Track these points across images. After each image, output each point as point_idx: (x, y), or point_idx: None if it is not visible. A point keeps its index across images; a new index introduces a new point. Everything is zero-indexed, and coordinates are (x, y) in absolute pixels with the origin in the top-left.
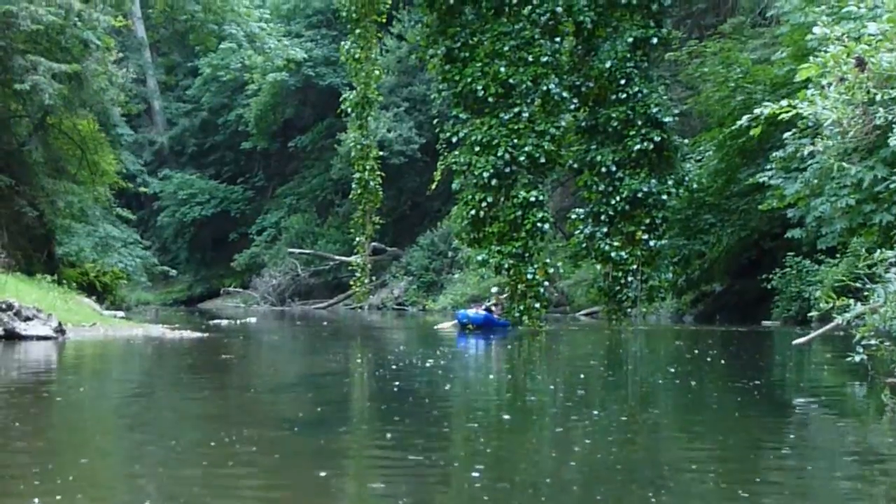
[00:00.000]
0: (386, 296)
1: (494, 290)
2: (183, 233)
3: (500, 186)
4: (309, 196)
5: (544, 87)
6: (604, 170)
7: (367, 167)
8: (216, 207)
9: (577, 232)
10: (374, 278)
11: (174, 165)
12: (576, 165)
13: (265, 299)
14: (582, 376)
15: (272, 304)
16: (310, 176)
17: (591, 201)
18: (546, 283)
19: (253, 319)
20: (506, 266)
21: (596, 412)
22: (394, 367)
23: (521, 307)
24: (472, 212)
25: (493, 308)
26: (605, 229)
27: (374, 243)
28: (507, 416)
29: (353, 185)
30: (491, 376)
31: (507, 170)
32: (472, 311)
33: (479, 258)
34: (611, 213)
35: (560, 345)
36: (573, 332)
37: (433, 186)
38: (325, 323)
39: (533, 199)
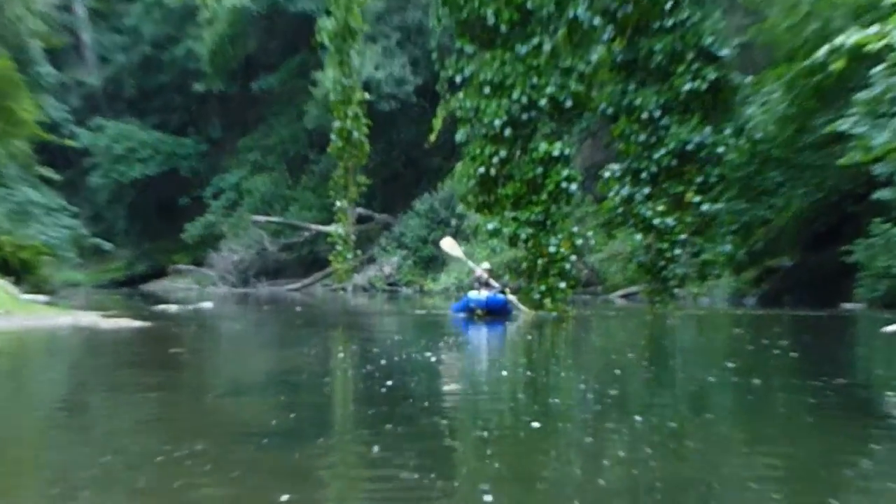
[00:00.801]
0: (374, 274)
1: (484, 266)
2: (120, 197)
3: (516, 137)
4: (277, 151)
5: (570, 13)
6: (645, 116)
7: (350, 114)
8: (162, 165)
9: (611, 194)
10: (359, 252)
11: (109, 113)
12: (610, 111)
13: (224, 279)
14: (618, 372)
15: (233, 286)
16: (278, 125)
17: (628, 155)
18: (573, 258)
19: (209, 304)
20: (523, 236)
21: (636, 417)
22: (384, 362)
23: (542, 288)
24: (481, 169)
25: (485, 285)
26: (646, 190)
27: (358, 209)
28: (524, 423)
29: (333, 137)
30: (504, 373)
31: (525, 116)
32: (482, 293)
33: (490, 227)
34: (653, 169)
35: (590, 333)
36: (606, 317)
37: (432, 138)
38: (298, 308)
39: (556, 152)
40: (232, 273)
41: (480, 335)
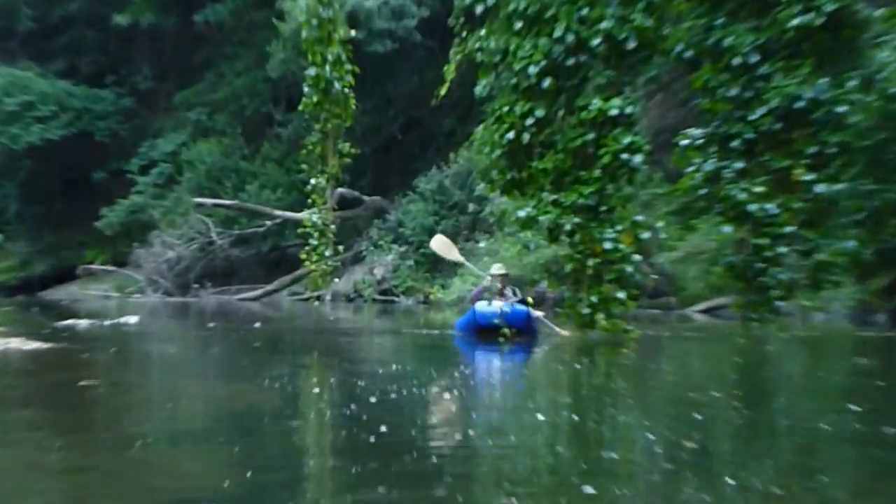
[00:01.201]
0: (362, 278)
1: (495, 269)
2: (11, 170)
3: (559, 91)
4: (230, 108)
5: None
6: (737, 62)
7: (330, 58)
8: (69, 126)
9: (689, 169)
10: (340, 248)
11: None
12: (689, 54)
13: (155, 284)
14: (699, 417)
15: (167, 293)
16: (231, 74)
17: (714, 116)
18: (636, 258)
19: (134, 319)
20: (567, 228)
21: (725, 479)
22: (374, 400)
23: (594, 299)
24: (510, 135)
25: (499, 297)
26: (738, 165)
27: (341, 189)
28: (570, 488)
29: (306, 90)
30: (541, 417)
31: (571, 61)
32: (496, 304)
33: (522, 214)
34: (749, 136)
35: (660, 362)
36: (683, 340)
37: (442, 92)
38: (257, 324)
39: (614, 112)
40: (166, 276)
41: (503, 364)
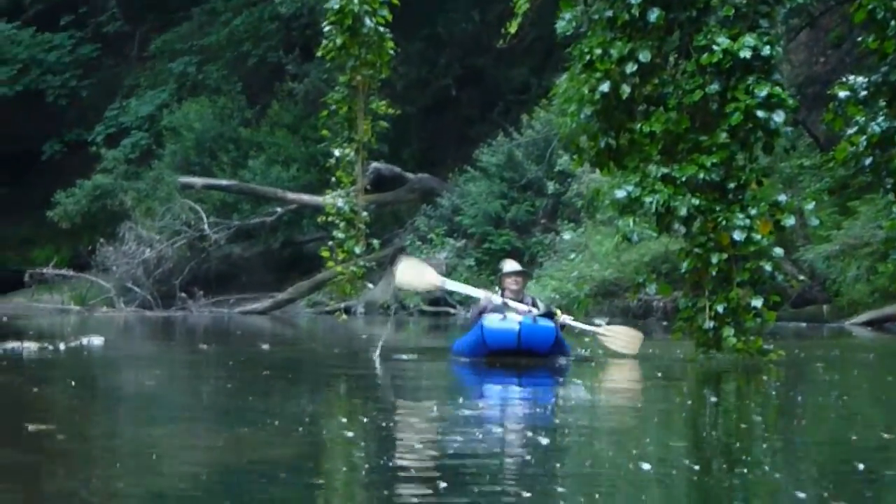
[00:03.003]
0: None
1: (507, 266)
2: None
3: (671, 25)
4: (226, 57)
5: None
6: None
7: None
8: (11, 84)
9: (850, 132)
10: (376, 244)
11: None
12: None
13: (128, 294)
14: (860, 467)
15: (144, 305)
16: (227, 10)
17: (884, 59)
18: (778, 252)
19: (98, 340)
20: (683, 212)
21: None
22: (422, 446)
23: (720, 308)
24: (604, 87)
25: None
26: None
27: (376, 164)
28: None
29: (328, 28)
30: (647, 466)
31: None
32: (512, 318)
33: (621, 194)
34: None
35: (812, 393)
36: (842, 362)
37: (512, 30)
38: (265, 346)
39: (747, 53)
40: (142, 283)
41: (589, 396)
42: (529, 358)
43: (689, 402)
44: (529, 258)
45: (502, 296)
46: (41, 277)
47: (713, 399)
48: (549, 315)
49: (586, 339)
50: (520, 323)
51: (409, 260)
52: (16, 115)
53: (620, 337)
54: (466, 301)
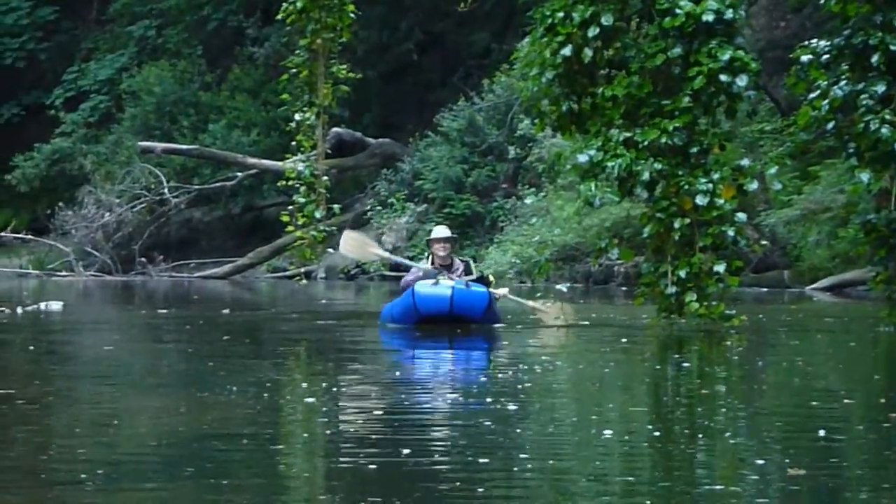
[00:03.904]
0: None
1: (436, 232)
2: None
3: None
4: (186, 20)
5: None
6: None
7: None
8: None
9: (811, 95)
10: (337, 208)
11: None
12: None
13: (87, 258)
14: (821, 435)
15: (104, 270)
16: None
17: (846, 22)
18: (741, 217)
19: (57, 305)
20: (646, 176)
21: None
22: (382, 410)
23: (682, 273)
24: (566, 50)
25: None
26: (880, 87)
27: (337, 129)
28: None
29: None
30: (609, 433)
31: None
32: (444, 283)
33: (583, 158)
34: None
35: (773, 359)
36: (803, 328)
37: None
38: (225, 311)
39: (710, 17)
40: (102, 247)
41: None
42: (461, 324)
43: (652, 368)
44: (490, 223)
45: (431, 262)
46: (0, 241)
47: (675, 365)
48: (483, 281)
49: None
50: (452, 288)
51: (352, 232)
52: None
53: (552, 312)
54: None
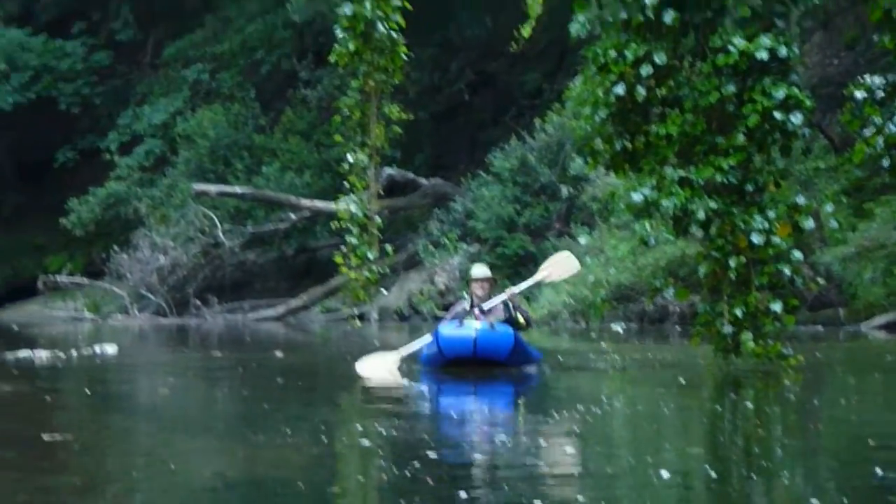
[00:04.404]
0: (419, 288)
1: (475, 271)
2: None
3: (685, 25)
4: (239, 64)
5: None
6: None
7: None
8: (24, 91)
9: (866, 132)
10: (390, 249)
11: None
12: None
13: (142, 300)
14: (880, 474)
15: (159, 312)
16: (240, 17)
17: None
18: (797, 255)
19: (112, 348)
20: (700, 215)
21: None
22: (440, 454)
23: (738, 312)
24: (619, 88)
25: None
26: None
27: (389, 170)
28: None
29: (340, 34)
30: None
31: None
32: (470, 325)
33: (637, 197)
34: None
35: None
36: (861, 367)
37: (525, 34)
38: (279, 353)
39: (763, 54)
40: (157, 290)
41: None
42: (486, 367)
43: (708, 408)
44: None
45: (471, 302)
46: (55, 285)
47: (732, 405)
48: (510, 322)
49: (603, 346)
50: (476, 330)
51: (372, 361)
52: (29, 123)
53: (558, 266)
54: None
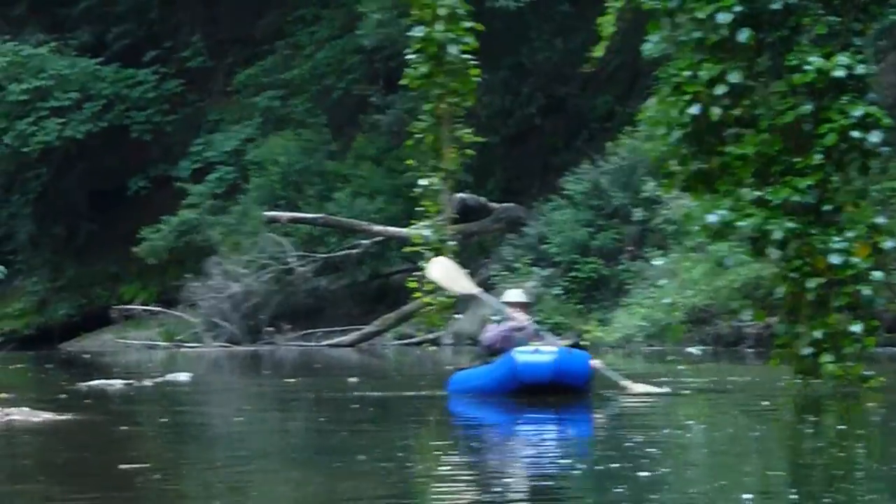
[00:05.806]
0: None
1: (511, 296)
2: (22, 181)
3: (761, 45)
4: (310, 90)
5: None
6: None
7: (443, 13)
8: (97, 119)
9: None
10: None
11: None
12: None
13: (215, 329)
14: None
15: (232, 340)
16: (311, 44)
17: None
18: (878, 276)
19: (185, 376)
20: (778, 235)
21: None
22: (523, 481)
23: (818, 334)
24: (694, 108)
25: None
26: None
27: (461, 194)
28: None
29: (413, 58)
30: (747, 497)
31: (778, 4)
32: (546, 350)
33: (713, 219)
34: None
35: None
36: None
37: (597, 55)
38: (353, 379)
39: (841, 73)
40: (230, 318)
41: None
42: (564, 393)
43: (789, 431)
44: (617, 286)
45: (514, 326)
46: (128, 313)
47: (812, 428)
48: (576, 346)
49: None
50: (556, 353)
51: (444, 260)
52: (101, 152)
53: (638, 388)
54: (555, 331)
